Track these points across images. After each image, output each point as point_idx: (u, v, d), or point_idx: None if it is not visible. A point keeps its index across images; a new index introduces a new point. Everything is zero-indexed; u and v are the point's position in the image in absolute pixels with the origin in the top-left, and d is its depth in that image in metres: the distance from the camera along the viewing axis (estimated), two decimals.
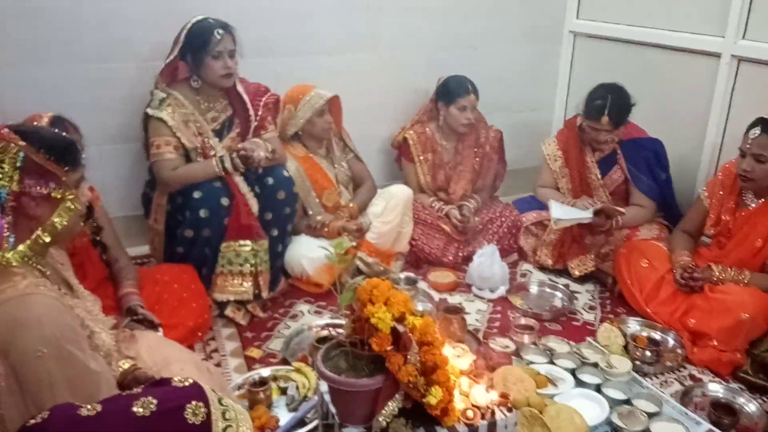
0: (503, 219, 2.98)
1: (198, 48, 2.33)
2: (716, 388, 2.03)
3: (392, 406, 1.58)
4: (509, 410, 1.66)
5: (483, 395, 1.69)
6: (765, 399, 2.03)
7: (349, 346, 1.63)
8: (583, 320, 2.49)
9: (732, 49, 2.68)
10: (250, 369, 2.10)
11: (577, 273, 2.75)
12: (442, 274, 2.77)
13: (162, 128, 2.31)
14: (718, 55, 2.74)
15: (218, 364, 2.13)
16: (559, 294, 2.54)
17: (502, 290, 2.64)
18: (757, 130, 2.24)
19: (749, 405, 1.96)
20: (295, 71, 2.85)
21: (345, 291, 1.63)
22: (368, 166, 2.99)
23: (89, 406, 1.16)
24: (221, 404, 1.21)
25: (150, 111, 2.33)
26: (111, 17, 2.53)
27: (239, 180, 2.38)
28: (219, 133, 2.45)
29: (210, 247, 2.31)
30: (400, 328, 1.55)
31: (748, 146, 2.26)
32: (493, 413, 1.64)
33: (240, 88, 2.47)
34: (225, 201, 2.30)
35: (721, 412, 1.89)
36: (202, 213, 2.26)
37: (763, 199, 2.33)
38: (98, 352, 1.38)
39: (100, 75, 2.58)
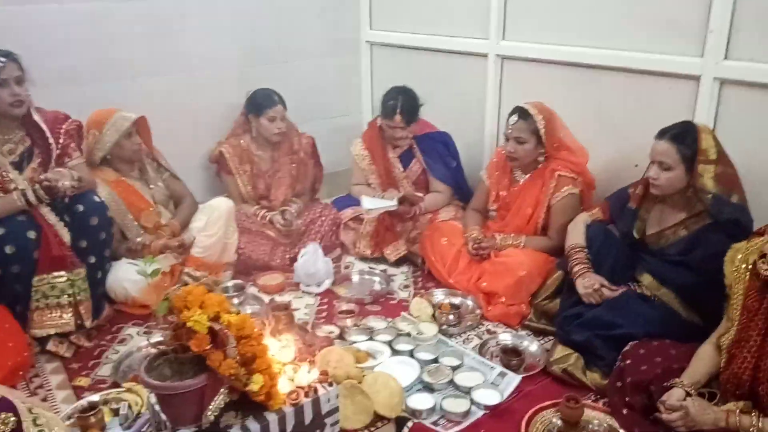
0: (324, 218, 3.18)
1: None
2: (506, 337, 2.39)
3: (218, 400, 1.70)
4: (330, 385, 1.86)
5: (305, 376, 1.86)
6: (546, 339, 2.42)
7: (171, 353, 1.72)
8: (399, 298, 2.77)
9: (496, 50, 3.11)
10: (79, 399, 2.07)
11: (392, 258, 3.03)
12: (270, 277, 2.91)
13: None
14: (486, 55, 3.16)
15: (44, 399, 2.09)
16: (377, 279, 2.81)
17: (327, 283, 2.84)
18: (515, 117, 2.66)
19: (532, 346, 2.33)
20: (103, 97, 2.83)
21: (160, 302, 1.72)
22: (190, 182, 3.04)
23: None
24: (32, 413, 1.26)
25: None
26: None
27: (46, 211, 2.32)
28: (18, 165, 2.37)
29: (21, 283, 2.24)
30: (217, 326, 1.67)
31: (509, 131, 2.67)
32: (315, 390, 1.83)
33: (37, 117, 2.40)
34: (32, 234, 2.24)
35: (511, 355, 2.25)
36: (8, 249, 2.18)
37: (528, 175, 2.76)
38: None
39: None
